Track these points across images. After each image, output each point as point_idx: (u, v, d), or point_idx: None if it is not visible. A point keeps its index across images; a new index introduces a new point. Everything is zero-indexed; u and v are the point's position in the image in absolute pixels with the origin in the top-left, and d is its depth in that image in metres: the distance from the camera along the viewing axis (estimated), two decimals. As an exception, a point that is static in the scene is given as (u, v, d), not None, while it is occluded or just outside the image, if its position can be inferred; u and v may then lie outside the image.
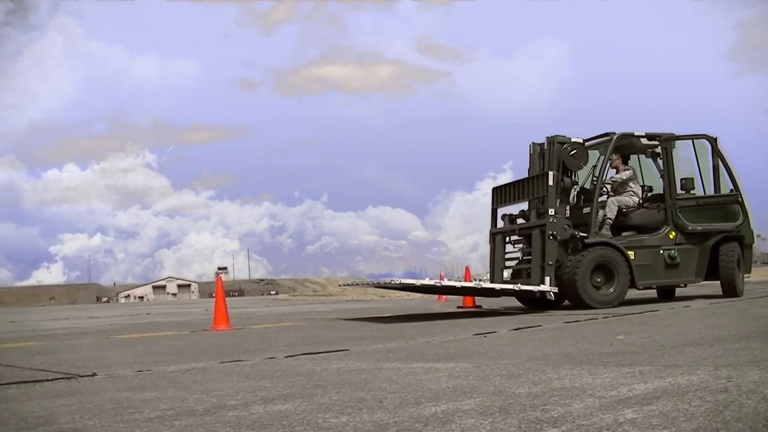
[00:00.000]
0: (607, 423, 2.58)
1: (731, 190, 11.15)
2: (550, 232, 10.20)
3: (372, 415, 2.97)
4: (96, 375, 4.89)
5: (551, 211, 10.21)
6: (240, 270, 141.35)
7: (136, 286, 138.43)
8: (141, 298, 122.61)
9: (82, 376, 4.84)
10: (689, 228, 10.81)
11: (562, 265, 10.23)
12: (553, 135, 10.63)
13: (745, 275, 11.48)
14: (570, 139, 10.57)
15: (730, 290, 11.04)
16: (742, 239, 11.17)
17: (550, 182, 10.25)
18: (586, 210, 10.91)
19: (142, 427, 3.00)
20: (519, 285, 10.30)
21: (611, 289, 10.22)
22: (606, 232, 10.69)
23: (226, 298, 10.10)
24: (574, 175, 10.79)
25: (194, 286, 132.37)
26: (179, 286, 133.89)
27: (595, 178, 11.22)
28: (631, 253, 10.44)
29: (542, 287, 10.17)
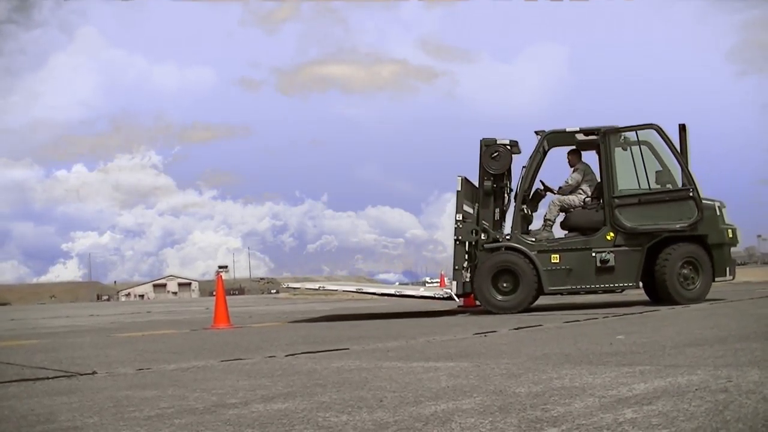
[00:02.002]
0: (607, 422, 2.58)
1: (683, 185, 10.07)
2: (456, 237, 10.22)
3: (372, 414, 2.97)
4: (96, 373, 4.89)
5: (458, 216, 10.20)
6: (242, 268, 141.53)
7: (137, 285, 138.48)
8: (141, 296, 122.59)
9: (82, 374, 4.84)
10: (628, 228, 9.97)
11: (472, 269, 10.26)
12: (488, 137, 10.42)
13: (723, 278, 10.15)
14: (496, 140, 10.37)
15: (667, 296, 9.90)
16: (704, 238, 9.94)
17: (458, 187, 10.22)
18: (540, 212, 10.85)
19: (142, 425, 3.00)
20: (421, 291, 10.68)
21: (514, 295, 10.02)
22: (547, 233, 10.43)
23: (227, 297, 10.10)
24: (505, 178, 10.60)
25: (195, 285, 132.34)
26: (180, 284, 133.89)
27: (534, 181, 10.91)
28: (555, 257, 10.04)
29: (441, 292, 10.53)
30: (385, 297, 11.79)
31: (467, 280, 10.22)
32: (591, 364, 4.10)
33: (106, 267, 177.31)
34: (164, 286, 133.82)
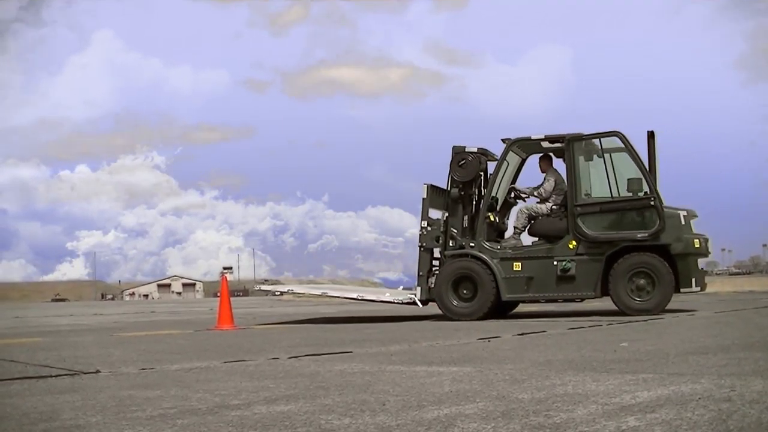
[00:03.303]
0: (609, 430, 2.58)
1: (645, 193, 9.82)
2: (421, 244, 10.38)
3: (374, 418, 2.96)
4: (99, 372, 4.90)
5: (423, 223, 10.34)
6: (244, 267, 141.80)
7: (141, 285, 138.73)
8: (146, 296, 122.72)
9: (85, 373, 4.84)
10: (590, 236, 9.84)
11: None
12: (458, 145, 10.49)
13: (690, 289, 9.89)
14: (465, 148, 10.42)
15: (620, 306, 9.75)
16: (667, 248, 9.68)
17: (423, 194, 10.35)
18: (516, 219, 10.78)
19: (144, 425, 3.00)
20: (388, 295, 10.99)
21: (472, 302, 10.06)
22: (515, 241, 10.43)
23: (231, 298, 10.11)
24: (475, 185, 10.62)
25: (199, 285, 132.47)
26: (184, 285, 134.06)
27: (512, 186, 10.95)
28: (518, 264, 10.03)
29: (404, 297, 10.62)
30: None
31: (432, 285, 10.35)
32: (594, 371, 4.09)
33: (110, 266, 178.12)
34: (168, 286, 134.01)
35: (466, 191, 10.51)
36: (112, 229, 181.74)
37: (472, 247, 10.22)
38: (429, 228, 10.33)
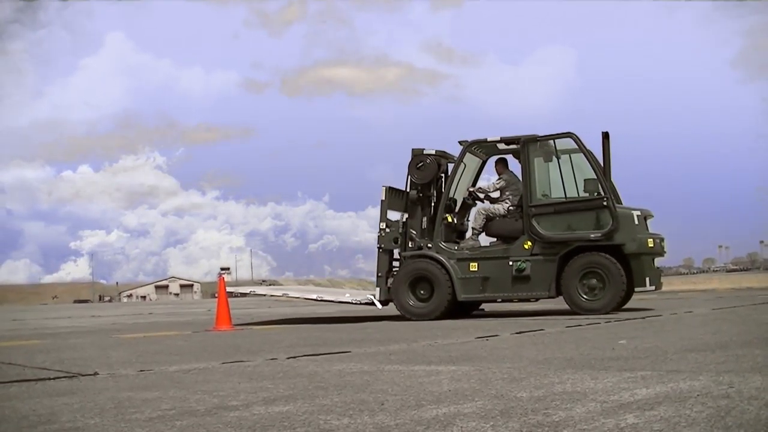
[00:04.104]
0: (608, 427, 2.58)
1: (598, 194, 9.89)
2: (379, 245, 10.54)
3: (373, 417, 2.96)
4: (98, 374, 4.89)
5: (382, 225, 10.49)
6: (245, 267, 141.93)
7: (139, 286, 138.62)
8: (143, 297, 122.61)
9: (83, 375, 4.84)
10: (544, 237, 9.95)
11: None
12: (417, 147, 10.61)
13: (644, 288, 9.94)
14: (423, 150, 10.55)
15: (571, 305, 9.86)
16: (621, 248, 9.74)
17: (382, 197, 10.49)
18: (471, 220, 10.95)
19: (143, 426, 3.00)
20: (347, 296, 11.23)
21: (429, 302, 10.21)
22: (473, 242, 10.53)
23: (228, 299, 10.11)
24: (434, 187, 10.74)
25: (197, 286, 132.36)
26: (182, 285, 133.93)
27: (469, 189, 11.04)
28: (474, 265, 10.17)
29: (363, 298, 10.79)
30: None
31: (390, 286, 10.48)
32: (593, 369, 4.09)
33: (111, 266, 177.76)
34: (166, 287, 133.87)
35: (425, 193, 10.69)
36: (114, 228, 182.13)
37: (429, 248, 10.38)
38: (387, 229, 10.52)
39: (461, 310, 10.76)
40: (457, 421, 2.82)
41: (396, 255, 10.72)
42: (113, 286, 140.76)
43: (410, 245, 10.49)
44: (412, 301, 10.26)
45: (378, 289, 10.52)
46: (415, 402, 3.28)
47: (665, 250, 10.52)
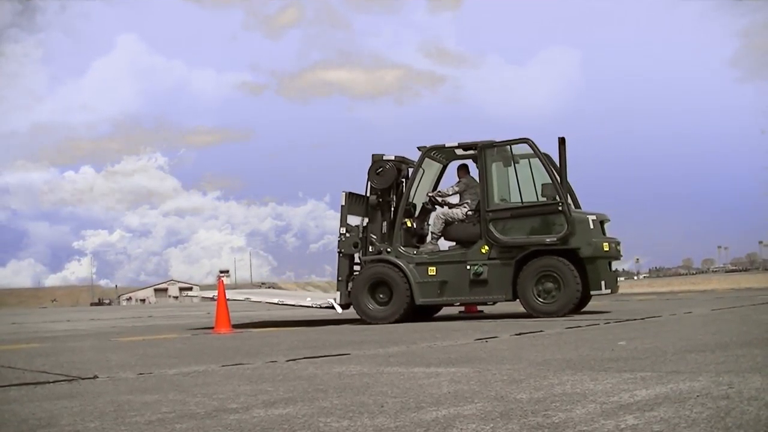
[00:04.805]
0: (608, 429, 2.58)
1: (554, 199, 9.97)
2: (339, 250, 10.66)
3: (373, 420, 2.96)
4: (97, 377, 4.89)
5: (342, 230, 10.62)
6: (246, 268, 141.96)
7: (138, 289, 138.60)
8: (143, 300, 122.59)
9: (83, 379, 4.84)
10: (501, 241, 10.05)
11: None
12: (377, 153, 10.72)
13: (599, 292, 9.96)
14: (383, 156, 10.66)
15: (527, 308, 9.95)
16: (576, 252, 9.82)
17: (342, 202, 10.62)
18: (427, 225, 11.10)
19: (143, 429, 3.00)
20: (309, 300, 11.41)
21: (388, 306, 10.31)
22: (432, 246, 10.64)
23: (228, 301, 10.12)
24: (394, 192, 10.80)
25: (196, 289, 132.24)
26: (181, 288, 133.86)
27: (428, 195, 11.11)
28: (432, 269, 10.27)
29: (323, 302, 10.91)
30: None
31: (350, 290, 10.61)
32: (592, 370, 4.09)
33: (114, 266, 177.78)
34: (165, 290, 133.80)
35: (385, 198, 10.80)
36: (117, 228, 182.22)
37: (389, 252, 10.47)
38: (347, 234, 10.62)
39: (422, 313, 10.93)
40: (457, 423, 2.82)
41: (357, 259, 10.84)
42: (112, 289, 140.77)
43: (370, 250, 10.63)
44: (371, 305, 10.39)
45: (339, 293, 10.68)
46: (414, 404, 3.28)
47: (621, 253, 10.70)
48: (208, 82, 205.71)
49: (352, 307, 10.62)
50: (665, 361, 4.43)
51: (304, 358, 5.62)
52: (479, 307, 12.44)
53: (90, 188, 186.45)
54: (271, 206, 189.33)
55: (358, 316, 10.51)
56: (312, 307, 11.47)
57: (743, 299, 13.85)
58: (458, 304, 10.91)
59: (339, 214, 10.69)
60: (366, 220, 10.79)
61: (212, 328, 9.93)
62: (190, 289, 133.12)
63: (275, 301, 12.27)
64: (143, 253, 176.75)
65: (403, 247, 10.46)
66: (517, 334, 7.07)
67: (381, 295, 10.38)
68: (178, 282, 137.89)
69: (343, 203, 10.60)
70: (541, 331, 7.38)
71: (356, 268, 10.78)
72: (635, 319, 8.57)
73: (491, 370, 4.32)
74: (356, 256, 10.76)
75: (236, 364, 5.37)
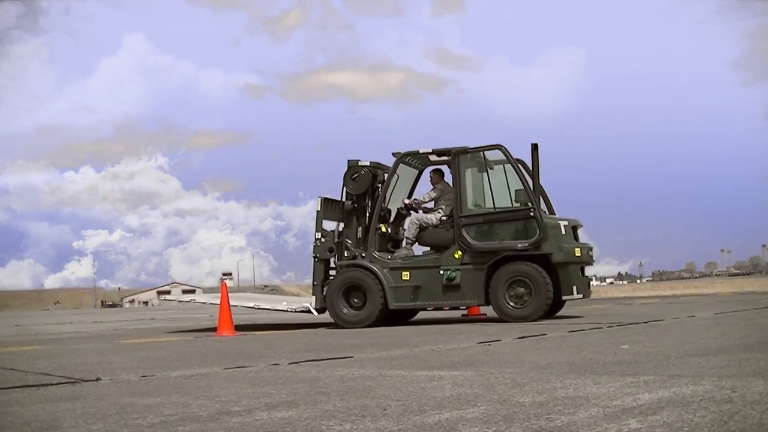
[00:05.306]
0: (611, 433, 2.58)
1: (526, 204, 10.04)
2: (315, 255, 10.73)
3: (376, 423, 2.96)
4: (100, 380, 4.90)
5: (317, 235, 10.70)
6: (246, 268, 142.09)
7: (141, 291, 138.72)
8: (145, 303, 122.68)
9: (86, 381, 4.84)
10: (474, 247, 10.11)
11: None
12: (353, 159, 10.80)
13: (571, 296, 10.03)
14: (358, 162, 10.74)
15: (498, 312, 10.02)
16: (548, 258, 9.88)
17: (317, 207, 10.70)
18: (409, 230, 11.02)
19: (145, 432, 3.00)
20: (284, 304, 11.49)
21: (362, 310, 10.38)
22: (407, 251, 10.68)
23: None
24: (370, 197, 10.85)
25: (199, 292, 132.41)
26: (184, 291, 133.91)
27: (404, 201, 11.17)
28: (406, 274, 10.33)
29: (299, 306, 10.98)
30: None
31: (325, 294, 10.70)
32: (595, 374, 4.09)
33: (114, 266, 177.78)
34: (168, 292, 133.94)
35: (360, 203, 10.85)
36: (117, 228, 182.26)
37: (363, 257, 10.55)
38: (323, 239, 10.69)
39: (397, 318, 10.99)
40: (460, 426, 2.82)
41: (333, 264, 10.90)
42: (115, 292, 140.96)
43: (346, 255, 10.70)
44: (345, 309, 10.44)
45: (314, 297, 10.73)
46: (417, 407, 3.27)
47: (593, 259, 10.79)
48: (212, 84, 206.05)
49: (325, 311, 10.73)
50: (668, 364, 4.42)
51: (307, 361, 5.62)
52: (482, 310, 12.43)
53: (90, 189, 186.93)
54: (271, 206, 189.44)
55: (333, 321, 10.59)
56: (287, 311, 11.57)
57: (746, 303, 13.82)
58: (431, 308, 11.00)
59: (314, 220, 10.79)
60: (341, 225, 10.89)
61: (215, 330, 9.93)
62: (193, 291, 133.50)
63: (251, 305, 12.38)
64: (143, 253, 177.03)
65: (378, 252, 10.57)
66: (519, 338, 7.06)
67: (355, 300, 10.47)
68: (181, 284, 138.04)
69: (319, 208, 10.69)
70: (544, 334, 7.38)
71: (332, 272, 10.88)
72: (638, 323, 8.56)
73: (494, 374, 4.32)
74: (332, 260, 10.85)
75: (239, 367, 5.37)
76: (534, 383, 3.83)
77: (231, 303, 12.52)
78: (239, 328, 10.49)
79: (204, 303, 13.19)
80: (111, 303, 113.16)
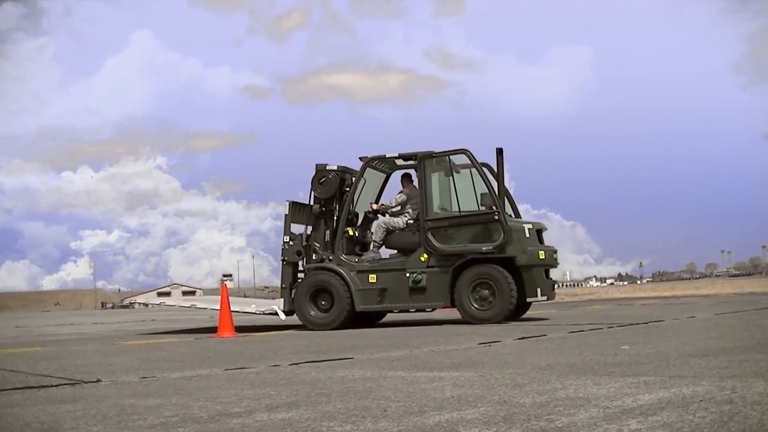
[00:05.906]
0: (611, 433, 2.58)
1: (490, 208, 10.19)
2: (283, 258, 10.86)
3: (376, 424, 2.96)
4: (100, 381, 4.90)
5: (285, 238, 10.80)
6: (246, 268, 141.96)
7: (141, 293, 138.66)
8: (145, 305, 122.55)
9: (86, 382, 4.84)
10: (439, 250, 10.25)
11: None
12: (321, 163, 10.92)
13: (535, 298, 10.15)
14: (326, 166, 10.87)
15: (463, 314, 10.15)
16: (512, 260, 9.99)
17: (286, 211, 10.81)
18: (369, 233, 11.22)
19: (146, 433, 3.00)
20: (253, 307, 11.59)
21: (329, 312, 10.48)
22: (374, 254, 10.79)
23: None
24: (338, 201, 10.95)
25: (199, 293, 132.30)
26: (184, 292, 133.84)
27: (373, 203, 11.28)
28: (373, 277, 10.45)
29: (267, 309, 11.11)
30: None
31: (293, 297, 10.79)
32: (595, 375, 4.09)
33: (112, 267, 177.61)
34: (168, 294, 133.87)
35: (327, 207, 10.97)
36: (115, 229, 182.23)
37: (330, 260, 10.64)
38: (291, 242, 10.80)
39: (365, 320, 11.11)
40: (460, 427, 2.82)
41: (301, 267, 10.99)
42: (115, 293, 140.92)
43: (313, 258, 10.80)
44: (313, 312, 10.56)
45: (282, 299, 10.82)
46: (418, 408, 3.28)
47: (557, 261, 10.93)
48: (213, 85, 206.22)
49: (293, 314, 10.80)
50: (668, 365, 4.42)
51: (307, 362, 5.62)
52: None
53: (88, 189, 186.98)
54: (271, 206, 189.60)
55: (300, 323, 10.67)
56: (256, 313, 11.65)
57: (746, 304, 13.82)
58: (396, 311, 11.09)
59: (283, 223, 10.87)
60: (310, 228, 10.98)
61: (215, 331, 9.94)
62: (193, 293, 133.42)
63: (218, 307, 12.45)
64: (142, 253, 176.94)
65: (345, 255, 10.67)
66: (519, 339, 7.07)
67: (323, 302, 10.57)
68: (182, 286, 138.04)
69: (287, 212, 10.80)
70: (544, 335, 7.38)
71: (301, 275, 10.96)
72: (638, 324, 8.56)
73: (494, 375, 4.32)
74: (300, 263, 10.93)
75: (239, 368, 5.38)
76: (534, 384, 3.83)
77: (201, 306, 12.72)
78: (240, 329, 10.50)
79: (205, 308, 13.19)
80: (120, 304, 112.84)
